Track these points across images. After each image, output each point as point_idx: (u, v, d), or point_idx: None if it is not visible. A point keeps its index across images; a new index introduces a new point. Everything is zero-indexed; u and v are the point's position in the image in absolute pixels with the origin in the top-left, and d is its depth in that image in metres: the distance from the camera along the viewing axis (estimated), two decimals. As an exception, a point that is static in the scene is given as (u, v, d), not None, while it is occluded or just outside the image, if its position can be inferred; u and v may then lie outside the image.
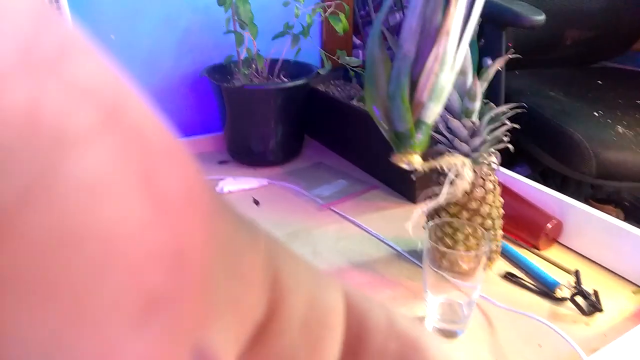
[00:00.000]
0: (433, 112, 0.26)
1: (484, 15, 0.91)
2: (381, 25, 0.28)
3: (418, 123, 0.26)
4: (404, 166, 0.28)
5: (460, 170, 0.38)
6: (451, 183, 0.39)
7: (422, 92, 0.25)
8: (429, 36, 0.25)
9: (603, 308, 0.62)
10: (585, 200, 0.98)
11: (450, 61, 0.26)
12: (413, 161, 0.26)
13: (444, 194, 0.40)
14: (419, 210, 0.44)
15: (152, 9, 1.02)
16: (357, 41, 1.41)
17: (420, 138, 0.26)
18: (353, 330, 0.14)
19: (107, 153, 0.08)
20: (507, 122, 0.63)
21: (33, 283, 0.07)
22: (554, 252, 0.75)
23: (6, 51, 0.07)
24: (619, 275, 0.70)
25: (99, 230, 0.08)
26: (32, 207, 0.07)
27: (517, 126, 0.63)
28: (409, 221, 0.53)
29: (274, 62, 1.04)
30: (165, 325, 0.09)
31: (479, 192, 0.64)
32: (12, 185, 0.07)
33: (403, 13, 1.37)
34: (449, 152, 0.64)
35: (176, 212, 0.09)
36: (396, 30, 1.35)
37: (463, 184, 0.40)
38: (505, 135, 0.64)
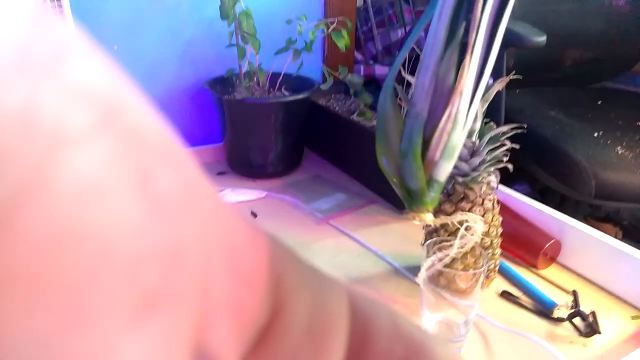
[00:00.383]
0: (445, 170, 0.26)
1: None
2: (394, 81, 0.28)
3: (430, 181, 0.26)
4: (416, 222, 0.28)
5: (472, 225, 0.37)
6: (462, 237, 0.39)
7: (434, 151, 0.25)
8: (442, 95, 0.25)
9: (601, 330, 0.62)
10: (584, 219, 0.98)
11: (463, 120, 0.26)
12: (425, 219, 0.26)
13: (455, 246, 0.40)
14: (429, 261, 0.44)
15: (156, 21, 1.03)
16: (359, 56, 1.42)
17: (432, 195, 0.26)
18: (357, 334, 0.14)
19: (103, 153, 0.08)
20: (507, 142, 0.63)
21: (27, 282, 0.07)
22: (552, 272, 0.74)
23: (3, 52, 0.07)
24: (618, 297, 0.69)
25: (94, 230, 0.08)
26: (26, 207, 0.07)
27: (516, 146, 0.63)
28: (419, 274, 0.53)
29: (275, 76, 1.05)
30: (163, 325, 0.09)
31: (477, 211, 0.64)
32: (7, 185, 0.07)
33: (405, 30, 1.39)
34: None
35: (173, 213, 0.09)
36: (398, 45, 1.36)
37: (474, 238, 0.40)
38: (505, 155, 0.64)
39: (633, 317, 0.65)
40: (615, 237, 0.93)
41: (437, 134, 0.25)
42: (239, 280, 0.12)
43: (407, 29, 1.38)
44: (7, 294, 0.07)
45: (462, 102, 0.25)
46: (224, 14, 0.90)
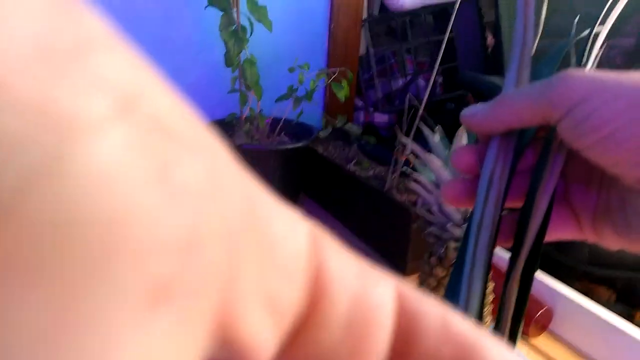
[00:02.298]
0: None
1: (483, 92, 0.92)
2: None
3: None
4: None
5: None
6: None
7: None
8: None
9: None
10: (578, 281, 0.97)
11: None
12: None
13: None
14: None
15: (163, 61, 1.05)
16: (360, 103, 1.44)
17: None
18: (403, 331, 0.13)
19: (120, 142, 0.08)
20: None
21: (32, 267, 0.07)
22: (543, 341, 0.73)
23: (21, 40, 0.07)
24: (609, 371, 0.68)
25: (106, 217, 0.08)
26: (35, 193, 0.07)
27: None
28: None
29: (275, 121, 1.06)
30: (180, 313, 0.09)
31: (468, 278, 0.63)
32: (17, 171, 0.07)
33: (406, 79, 1.41)
34: (441, 236, 0.64)
35: (194, 203, 0.09)
36: (398, 95, 1.38)
37: None
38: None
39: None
40: (609, 300, 0.92)
41: None
42: (275, 269, 0.11)
43: (408, 79, 1.41)
44: (9, 277, 0.07)
45: None
46: (228, 61, 0.91)
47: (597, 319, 0.69)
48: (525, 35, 0.28)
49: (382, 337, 0.13)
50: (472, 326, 0.14)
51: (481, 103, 0.30)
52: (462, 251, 0.30)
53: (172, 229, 0.08)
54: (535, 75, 0.30)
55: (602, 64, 0.33)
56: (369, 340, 0.13)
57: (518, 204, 0.31)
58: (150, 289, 0.08)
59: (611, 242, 0.30)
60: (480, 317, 0.29)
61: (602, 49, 0.32)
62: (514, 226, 0.31)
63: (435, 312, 0.14)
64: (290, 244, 0.12)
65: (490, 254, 0.29)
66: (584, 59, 0.32)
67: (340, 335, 0.12)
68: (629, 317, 0.71)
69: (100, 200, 0.07)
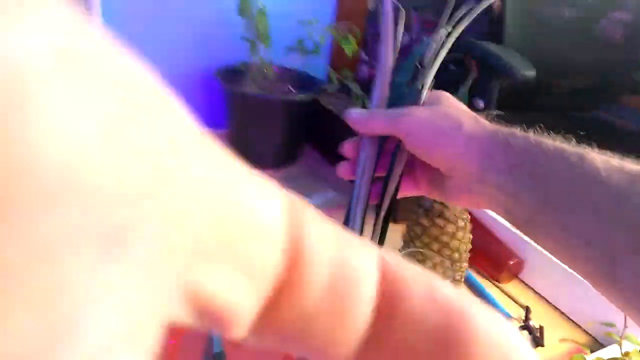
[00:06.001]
0: None
1: (484, 60, 0.97)
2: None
3: None
4: None
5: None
6: None
7: None
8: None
9: (544, 344, 0.70)
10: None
11: None
12: None
13: None
14: None
15: (176, 9, 1.08)
16: (365, 57, 1.48)
17: None
18: (387, 296, 0.13)
19: (70, 93, 0.08)
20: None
21: None
22: (512, 287, 0.82)
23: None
24: (568, 317, 0.78)
25: (57, 163, 0.07)
26: None
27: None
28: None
29: (282, 71, 1.10)
30: (139, 262, 0.09)
31: (450, 228, 0.71)
32: None
33: (411, 37, 1.44)
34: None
35: (156, 160, 0.09)
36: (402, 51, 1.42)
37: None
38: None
39: (572, 341, 0.74)
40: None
41: None
42: (249, 233, 0.11)
43: (414, 36, 1.44)
44: None
45: None
46: (241, 11, 0.95)
47: (561, 269, 0.78)
48: (386, 58, 0.47)
49: (364, 299, 0.13)
50: (459, 293, 0.14)
51: (360, 110, 0.49)
52: (348, 209, 0.47)
53: (123, 179, 0.08)
54: (395, 84, 0.49)
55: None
56: (350, 302, 0.13)
57: (383, 174, 0.49)
58: (103, 234, 0.08)
59: (437, 198, 0.51)
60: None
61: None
62: (379, 189, 0.49)
63: (419, 279, 0.14)
64: (266, 211, 0.12)
65: (364, 209, 0.47)
66: (430, 64, 0.51)
67: (322, 297, 0.12)
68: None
69: (52, 147, 0.07)
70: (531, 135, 0.44)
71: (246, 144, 1.12)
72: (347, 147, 0.51)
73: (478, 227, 0.81)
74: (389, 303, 0.13)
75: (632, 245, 0.35)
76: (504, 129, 0.45)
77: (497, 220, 0.88)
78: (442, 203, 0.71)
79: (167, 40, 1.11)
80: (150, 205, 0.09)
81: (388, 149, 0.49)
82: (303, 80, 1.12)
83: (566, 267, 0.77)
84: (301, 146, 1.18)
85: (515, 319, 0.74)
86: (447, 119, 0.45)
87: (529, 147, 0.42)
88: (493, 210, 0.44)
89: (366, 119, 0.47)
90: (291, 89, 1.11)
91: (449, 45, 0.51)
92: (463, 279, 0.79)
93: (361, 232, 0.47)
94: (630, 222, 0.36)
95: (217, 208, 0.11)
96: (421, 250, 0.71)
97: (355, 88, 1.07)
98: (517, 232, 0.85)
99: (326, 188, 1.06)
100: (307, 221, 0.13)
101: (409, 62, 0.51)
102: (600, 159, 0.40)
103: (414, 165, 0.51)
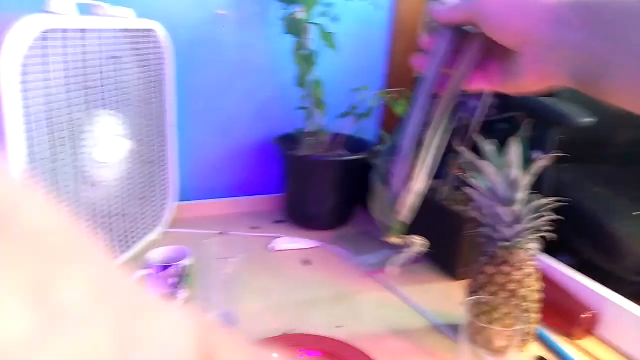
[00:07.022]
0: (406, 217, 0.48)
1: (535, 112, 0.98)
2: (382, 166, 0.49)
3: (398, 222, 0.48)
4: (388, 241, 0.50)
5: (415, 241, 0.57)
6: (410, 247, 0.57)
7: (401, 208, 0.47)
8: (406, 179, 0.47)
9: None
10: (626, 298, 0.99)
11: (420, 191, 0.47)
12: (394, 239, 0.50)
13: (409, 253, 0.58)
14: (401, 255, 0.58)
15: (239, 82, 1.17)
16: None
17: (399, 229, 0.49)
18: None
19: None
20: (550, 213, 0.69)
21: None
22: (589, 344, 0.77)
23: None
24: (655, 375, 0.71)
25: None
26: None
27: (560, 218, 0.69)
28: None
29: (336, 136, 1.15)
30: None
31: (517, 275, 0.69)
32: None
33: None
34: (492, 236, 0.70)
35: (78, 320, 0.09)
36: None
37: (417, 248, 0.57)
38: (547, 226, 0.69)
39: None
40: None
41: (402, 201, 0.47)
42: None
43: (459, 100, 1.47)
44: None
45: (419, 183, 0.47)
46: (299, 82, 1.02)
47: (643, 323, 0.72)
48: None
49: None
50: None
51: (443, 2, 0.48)
52: (412, 98, 0.48)
53: (56, 353, 0.08)
54: None
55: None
56: None
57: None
58: None
59: (508, 90, 0.48)
60: (420, 144, 0.46)
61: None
62: (445, 81, 0.49)
63: None
64: (179, 340, 0.12)
65: (430, 98, 0.47)
66: None
67: None
68: (676, 325, 0.73)
69: None
70: None
71: (304, 206, 1.15)
72: (424, 40, 0.51)
73: (545, 281, 0.78)
74: None
75: None
76: None
77: (564, 272, 0.84)
78: (506, 248, 0.69)
79: (230, 114, 1.19)
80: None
81: (464, 49, 0.49)
82: (356, 144, 1.16)
83: (648, 319, 0.72)
84: (354, 207, 1.20)
85: (597, 376, 0.68)
86: None
87: (606, 3, 0.40)
88: (567, 82, 0.43)
89: (446, 9, 0.48)
90: (344, 151, 1.15)
91: None
92: (534, 334, 0.74)
93: (426, 122, 0.47)
94: None
95: (144, 347, 0.11)
96: (488, 298, 0.68)
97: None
98: (588, 282, 0.81)
99: (382, 247, 1.06)
100: (220, 345, 0.14)
101: None
102: None
103: (487, 60, 0.50)
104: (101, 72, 0.80)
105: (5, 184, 0.09)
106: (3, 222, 0.08)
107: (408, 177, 0.46)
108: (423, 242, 0.55)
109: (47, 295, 0.08)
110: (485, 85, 0.50)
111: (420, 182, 0.47)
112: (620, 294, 0.78)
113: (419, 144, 0.47)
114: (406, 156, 0.46)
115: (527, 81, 0.45)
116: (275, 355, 0.15)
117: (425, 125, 0.46)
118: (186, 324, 0.13)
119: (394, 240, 0.49)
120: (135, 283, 0.12)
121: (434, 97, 0.47)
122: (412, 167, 0.46)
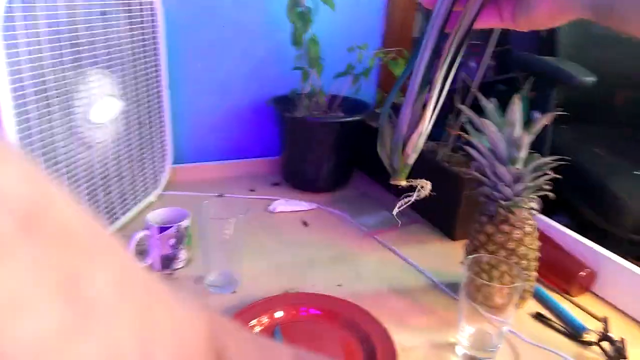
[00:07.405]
0: (413, 158, 0.45)
1: (538, 71, 0.96)
2: (389, 109, 0.46)
3: (405, 164, 0.46)
4: (395, 183, 0.47)
5: (424, 185, 0.53)
6: (418, 191, 0.54)
7: (409, 150, 0.45)
8: (415, 120, 0.44)
9: (628, 355, 0.65)
10: (622, 257, 1.01)
11: (427, 131, 0.45)
12: (401, 182, 0.46)
13: (414, 197, 0.54)
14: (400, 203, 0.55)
15: (234, 41, 1.14)
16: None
17: (405, 171, 0.46)
18: None
19: (25, 262, 0.08)
20: (550, 172, 0.68)
21: None
22: (585, 300, 0.78)
23: None
24: (649, 329, 0.72)
25: (19, 347, 0.07)
26: None
27: (559, 177, 0.68)
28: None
29: (333, 97, 1.13)
30: None
31: (517, 233, 0.69)
32: None
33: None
34: (493, 195, 0.70)
35: (107, 313, 0.09)
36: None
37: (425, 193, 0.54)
38: (547, 185, 0.69)
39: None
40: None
41: (411, 142, 0.44)
42: (178, 352, 0.12)
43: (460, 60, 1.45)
44: None
45: (426, 124, 0.44)
46: (294, 40, 0.99)
47: (638, 279, 0.73)
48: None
49: None
50: None
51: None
52: (423, 32, 0.45)
53: (89, 345, 0.08)
54: None
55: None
56: None
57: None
58: None
59: (520, 25, 0.44)
60: (429, 85, 0.43)
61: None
62: (456, 19, 0.45)
63: None
64: (191, 334, 0.12)
65: (441, 32, 0.43)
66: None
67: None
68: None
69: (10, 330, 0.07)
70: None
71: (301, 168, 1.14)
72: None
73: (544, 240, 0.78)
74: None
75: None
76: None
77: (563, 231, 0.85)
78: (507, 207, 0.69)
79: (224, 74, 1.17)
80: None
81: None
82: (353, 105, 1.14)
83: (644, 275, 0.73)
84: (352, 169, 1.19)
85: (593, 331, 0.70)
86: None
87: None
88: (580, 12, 0.40)
89: None
90: (341, 113, 1.13)
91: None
92: (532, 292, 0.75)
93: (434, 58, 0.45)
94: None
95: (161, 341, 0.12)
96: (488, 257, 0.69)
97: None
98: (586, 241, 0.81)
99: (380, 208, 1.06)
100: (229, 337, 0.14)
101: None
102: None
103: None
104: (91, 30, 0.77)
105: (34, 181, 0.09)
106: (35, 219, 0.08)
107: (417, 118, 0.44)
108: (430, 186, 0.53)
109: (78, 289, 0.09)
110: (496, 21, 0.47)
111: (428, 123, 0.45)
112: (617, 253, 0.79)
113: (428, 85, 0.44)
114: (414, 97, 0.44)
115: (539, 14, 0.42)
116: (282, 346, 0.15)
117: (435, 65, 0.44)
118: (198, 316, 0.13)
119: (402, 182, 0.47)
120: (152, 276, 0.12)
121: (444, 35, 0.44)
122: (421, 108, 0.44)
